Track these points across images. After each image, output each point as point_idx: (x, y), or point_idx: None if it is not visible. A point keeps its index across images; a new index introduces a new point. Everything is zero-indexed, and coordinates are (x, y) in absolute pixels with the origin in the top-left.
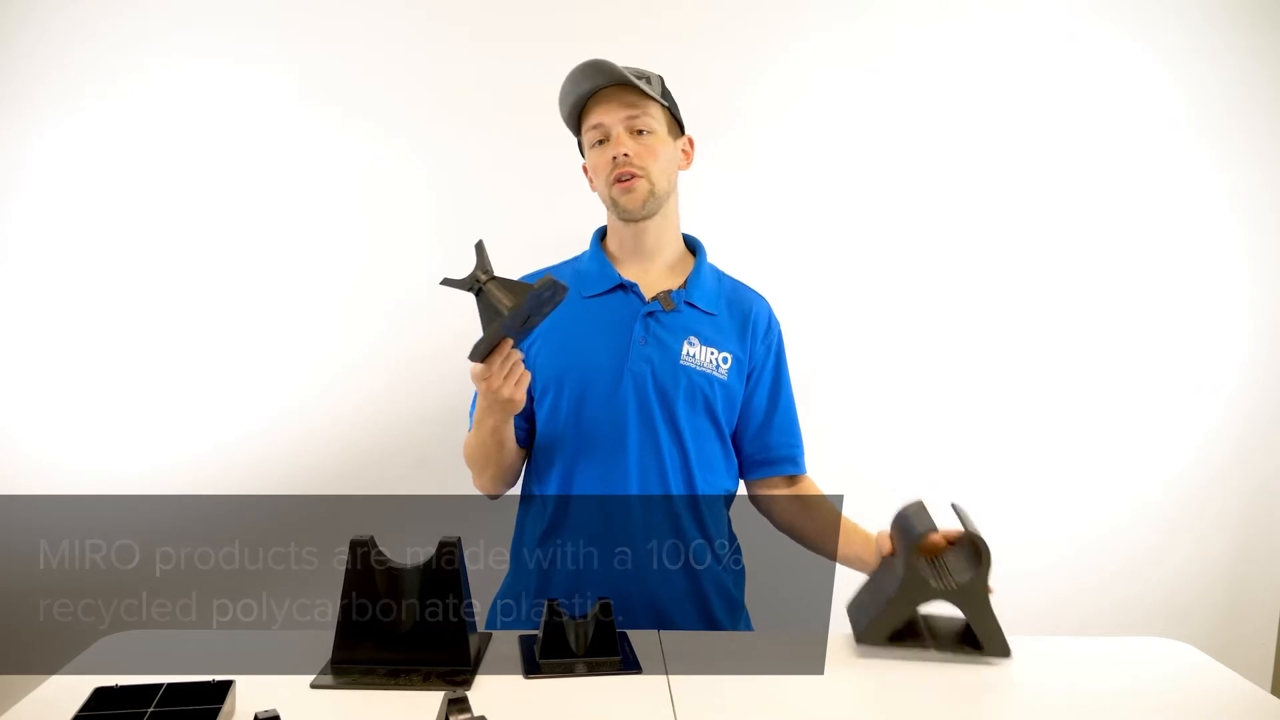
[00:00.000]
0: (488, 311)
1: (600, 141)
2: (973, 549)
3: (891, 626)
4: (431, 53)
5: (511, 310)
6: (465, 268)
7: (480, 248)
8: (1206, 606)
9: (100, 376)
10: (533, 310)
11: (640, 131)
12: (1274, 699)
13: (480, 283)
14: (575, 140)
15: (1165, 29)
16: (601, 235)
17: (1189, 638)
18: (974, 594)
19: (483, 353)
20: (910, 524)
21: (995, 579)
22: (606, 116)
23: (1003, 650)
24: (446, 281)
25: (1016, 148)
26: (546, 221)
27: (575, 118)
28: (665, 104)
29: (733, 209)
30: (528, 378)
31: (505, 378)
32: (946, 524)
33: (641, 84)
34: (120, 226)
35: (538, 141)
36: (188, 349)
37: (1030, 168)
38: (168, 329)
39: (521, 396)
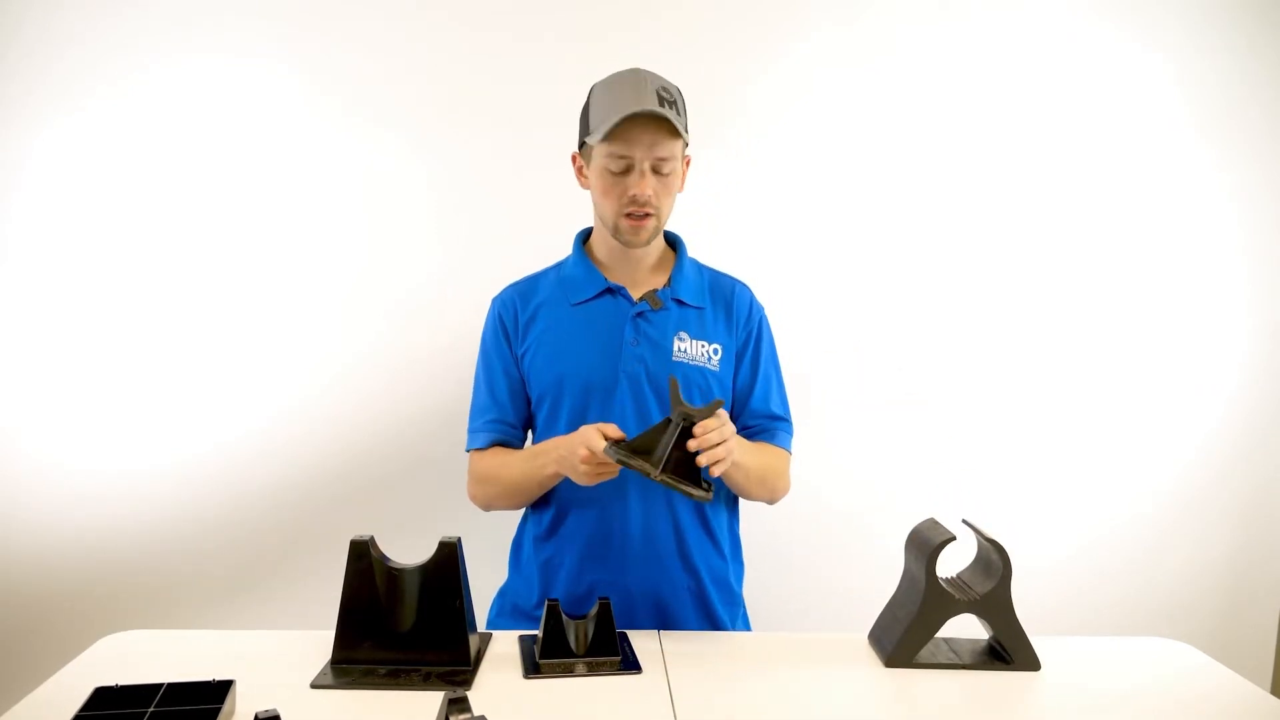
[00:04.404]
0: (649, 439)
1: (623, 170)
2: (995, 555)
3: (919, 645)
4: (432, 52)
5: (652, 477)
6: (466, 267)
7: (676, 384)
8: (1206, 606)
9: (100, 376)
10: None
11: (660, 167)
12: (1274, 699)
13: (688, 422)
14: (575, 131)
15: (1165, 29)
16: (583, 238)
17: (1189, 638)
18: (998, 603)
19: (617, 460)
20: (925, 537)
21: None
22: (637, 151)
23: (1032, 663)
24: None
25: (1016, 148)
26: (546, 221)
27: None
28: (685, 139)
29: (733, 209)
30: (610, 476)
31: (598, 465)
32: (960, 534)
33: (674, 119)
34: (120, 226)
35: (538, 141)
36: (188, 349)
37: (1030, 168)
38: (168, 329)
39: (593, 483)
